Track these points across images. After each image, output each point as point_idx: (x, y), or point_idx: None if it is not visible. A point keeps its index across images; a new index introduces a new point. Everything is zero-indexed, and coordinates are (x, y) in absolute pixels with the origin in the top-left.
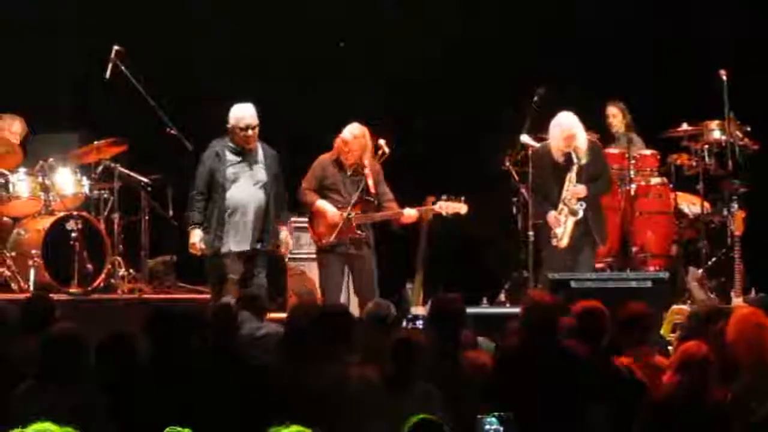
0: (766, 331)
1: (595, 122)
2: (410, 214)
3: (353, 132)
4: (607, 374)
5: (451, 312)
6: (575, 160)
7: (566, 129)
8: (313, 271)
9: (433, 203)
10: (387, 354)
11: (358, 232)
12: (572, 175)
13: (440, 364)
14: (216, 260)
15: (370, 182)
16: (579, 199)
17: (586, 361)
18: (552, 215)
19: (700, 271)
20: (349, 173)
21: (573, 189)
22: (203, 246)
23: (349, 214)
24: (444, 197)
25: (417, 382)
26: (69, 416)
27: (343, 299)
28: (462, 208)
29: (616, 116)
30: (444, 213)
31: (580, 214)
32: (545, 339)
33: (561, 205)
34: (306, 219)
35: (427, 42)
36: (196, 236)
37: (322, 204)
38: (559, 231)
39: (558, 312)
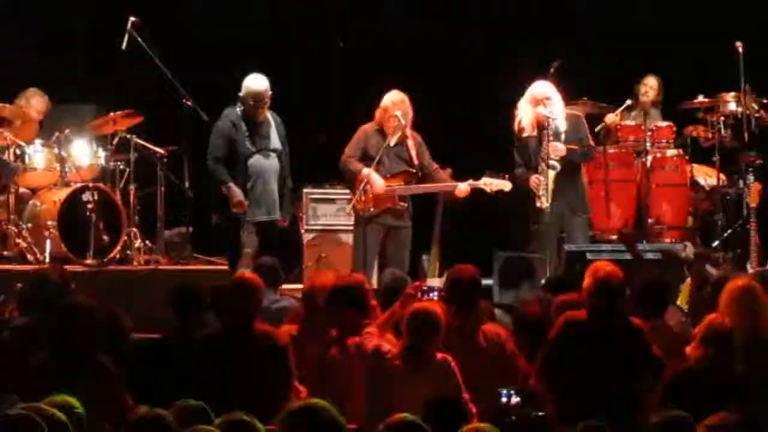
0: (757, 302)
1: (612, 94)
2: (462, 189)
3: (393, 99)
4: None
5: (467, 284)
6: (550, 122)
7: (540, 92)
8: (326, 243)
9: (449, 177)
10: (403, 325)
11: (400, 203)
12: (548, 132)
13: (457, 337)
14: (247, 229)
15: (413, 153)
16: (558, 159)
17: (648, 338)
18: (533, 178)
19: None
20: (392, 144)
21: (549, 147)
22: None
23: (365, 185)
24: (487, 173)
25: (434, 352)
26: (84, 388)
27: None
28: (506, 185)
29: (653, 88)
30: (488, 190)
31: (558, 167)
32: (615, 312)
33: (540, 167)
34: (324, 190)
35: (441, 14)
36: (240, 193)
37: (370, 173)
38: (540, 191)
39: (624, 283)
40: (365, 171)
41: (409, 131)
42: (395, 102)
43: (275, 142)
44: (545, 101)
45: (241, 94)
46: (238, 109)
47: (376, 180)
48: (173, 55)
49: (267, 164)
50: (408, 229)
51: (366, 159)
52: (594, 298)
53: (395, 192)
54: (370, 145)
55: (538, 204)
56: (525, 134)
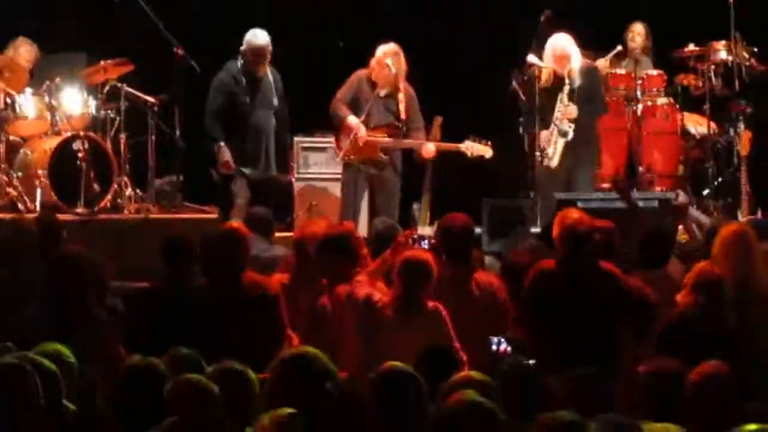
0: (751, 248)
1: (600, 42)
2: (429, 149)
3: (385, 50)
4: (636, 294)
5: (459, 233)
6: (567, 81)
7: (560, 49)
8: (317, 192)
9: (442, 126)
10: (395, 273)
11: (381, 155)
12: (563, 96)
13: (450, 285)
14: (239, 181)
15: (402, 107)
16: (570, 121)
17: (621, 281)
18: (543, 135)
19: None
20: (382, 94)
21: (564, 110)
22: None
23: (355, 135)
24: (471, 137)
25: (425, 301)
26: (76, 338)
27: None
28: (488, 152)
29: (640, 34)
30: (469, 154)
31: (570, 135)
32: (582, 258)
33: (552, 126)
34: (315, 138)
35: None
36: (228, 154)
37: (353, 120)
38: (549, 151)
39: (593, 230)
40: (351, 119)
41: (402, 84)
42: (387, 52)
43: (273, 99)
44: (564, 59)
45: (242, 47)
46: (239, 62)
47: (356, 127)
48: (182, 12)
49: (264, 121)
50: (395, 180)
51: (354, 105)
52: (562, 245)
53: (377, 143)
54: (361, 91)
55: (545, 162)
56: (540, 84)
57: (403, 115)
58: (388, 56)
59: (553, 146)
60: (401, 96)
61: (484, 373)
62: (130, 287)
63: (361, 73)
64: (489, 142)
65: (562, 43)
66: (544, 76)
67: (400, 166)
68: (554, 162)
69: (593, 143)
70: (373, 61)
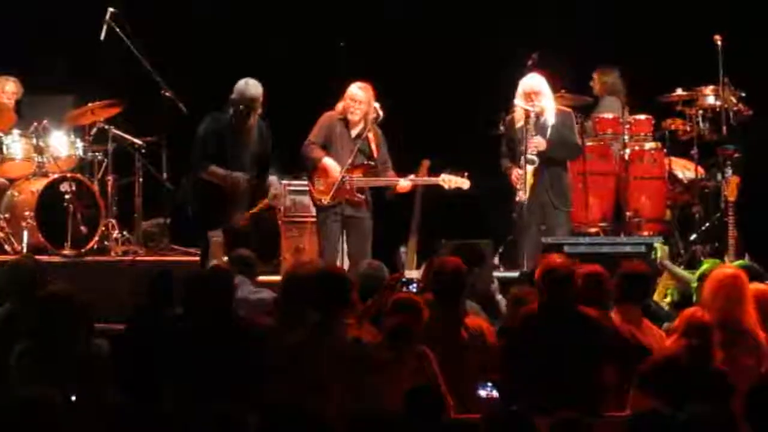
0: (740, 290)
1: (587, 86)
2: (404, 185)
3: (359, 86)
4: (617, 338)
5: (451, 276)
6: (533, 115)
7: (528, 86)
8: (304, 234)
9: (430, 169)
10: (386, 315)
11: (358, 195)
12: (530, 127)
13: (439, 329)
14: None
15: (374, 146)
16: (538, 153)
17: (602, 326)
18: (515, 172)
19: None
20: (353, 135)
21: (531, 140)
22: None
23: (343, 177)
24: (448, 170)
25: (414, 343)
26: (65, 377)
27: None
28: (465, 183)
29: (594, 80)
30: (447, 186)
31: (536, 162)
32: (563, 303)
33: (521, 158)
34: (302, 182)
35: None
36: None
37: (329, 162)
38: (519, 184)
39: (574, 275)
40: (326, 161)
41: (370, 125)
42: (361, 87)
43: (254, 149)
44: (533, 95)
45: (232, 96)
46: (228, 113)
47: (334, 169)
48: (170, 54)
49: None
50: (367, 220)
51: (326, 148)
52: (542, 289)
53: (352, 183)
54: (333, 133)
55: (517, 198)
56: (516, 126)
57: (375, 154)
58: (361, 90)
59: (522, 180)
60: (371, 135)
61: (470, 418)
62: (115, 329)
63: (331, 113)
64: (466, 173)
65: (530, 82)
66: (516, 118)
67: (371, 205)
68: (523, 196)
69: (564, 184)
70: (343, 101)
